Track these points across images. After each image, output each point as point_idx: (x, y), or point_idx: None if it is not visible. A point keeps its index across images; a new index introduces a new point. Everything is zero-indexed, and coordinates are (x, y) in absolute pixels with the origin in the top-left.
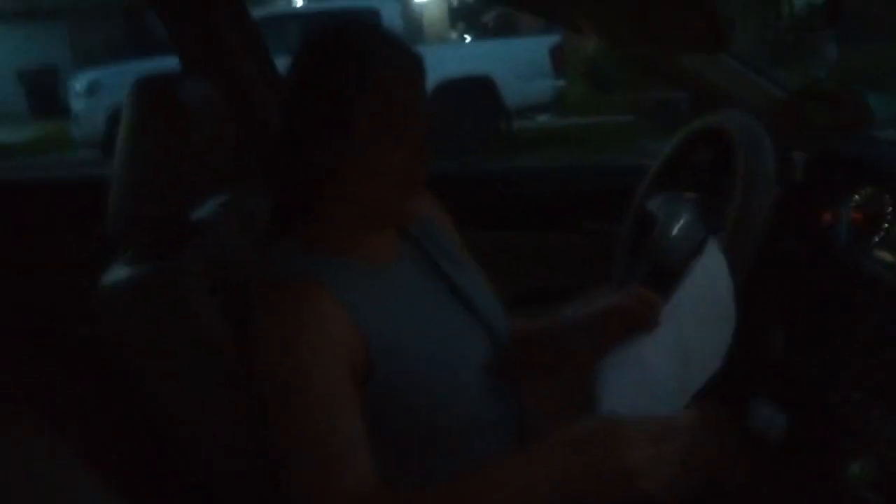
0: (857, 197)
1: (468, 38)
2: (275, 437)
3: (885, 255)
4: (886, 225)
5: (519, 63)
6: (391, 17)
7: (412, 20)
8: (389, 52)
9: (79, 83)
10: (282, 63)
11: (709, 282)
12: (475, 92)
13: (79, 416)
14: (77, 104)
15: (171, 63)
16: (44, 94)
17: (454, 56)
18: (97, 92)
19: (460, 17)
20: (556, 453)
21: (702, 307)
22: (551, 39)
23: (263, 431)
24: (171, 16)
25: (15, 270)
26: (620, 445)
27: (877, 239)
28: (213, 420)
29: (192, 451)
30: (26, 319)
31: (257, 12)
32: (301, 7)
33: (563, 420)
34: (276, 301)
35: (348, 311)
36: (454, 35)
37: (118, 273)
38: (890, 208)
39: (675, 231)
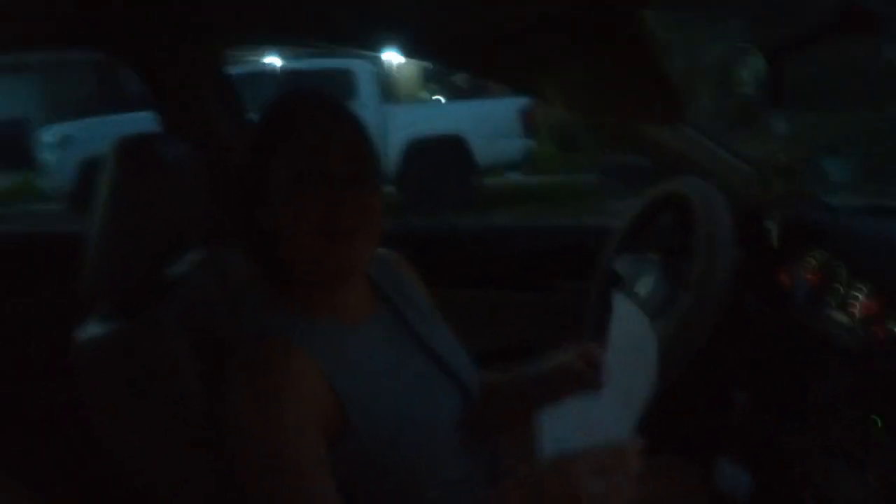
0: (811, 261)
1: (441, 99)
2: (248, 495)
3: (840, 317)
4: (840, 288)
5: (490, 123)
6: (365, 78)
7: (386, 80)
8: (307, 113)
9: (50, 136)
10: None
11: (628, 328)
12: (447, 150)
13: (51, 473)
14: (47, 156)
15: (142, 118)
16: (12, 145)
17: (427, 115)
18: (68, 145)
19: (433, 78)
20: (512, 498)
21: (629, 351)
22: (521, 101)
23: (235, 490)
24: (152, 76)
25: None
26: (573, 482)
27: (831, 301)
28: (186, 477)
29: None
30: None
31: (234, 70)
32: (277, 66)
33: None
34: (249, 360)
35: (321, 368)
36: (427, 95)
37: (93, 329)
38: (843, 272)
39: (640, 290)
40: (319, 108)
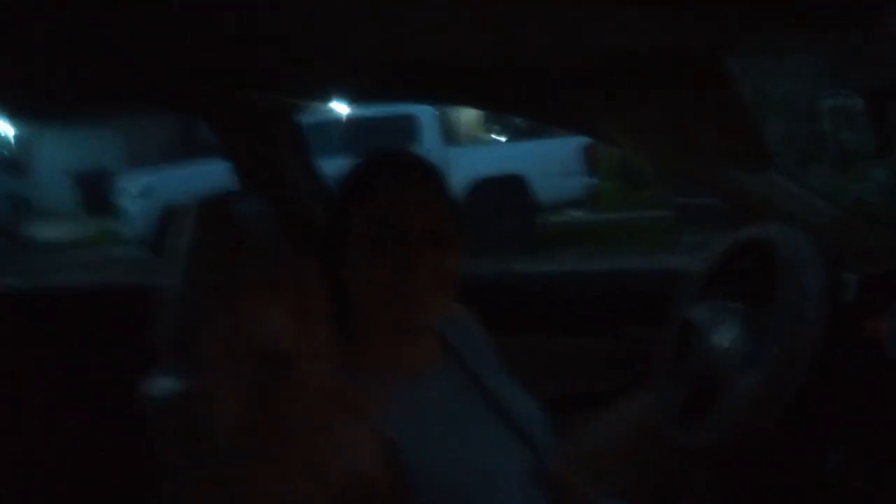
0: None
1: (502, 139)
2: None
3: None
4: None
5: (550, 162)
6: (427, 122)
7: (447, 123)
8: (388, 175)
9: (133, 185)
10: (326, 165)
11: None
12: (508, 190)
13: None
14: (130, 206)
15: (219, 167)
16: (97, 195)
17: (488, 156)
18: (150, 195)
19: (493, 119)
20: None
21: None
22: (582, 139)
23: None
24: (226, 132)
25: (63, 375)
26: None
27: None
28: None
29: None
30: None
31: (302, 119)
32: (343, 114)
33: None
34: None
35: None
36: (487, 136)
37: (164, 384)
38: None
39: (719, 341)
40: (401, 170)
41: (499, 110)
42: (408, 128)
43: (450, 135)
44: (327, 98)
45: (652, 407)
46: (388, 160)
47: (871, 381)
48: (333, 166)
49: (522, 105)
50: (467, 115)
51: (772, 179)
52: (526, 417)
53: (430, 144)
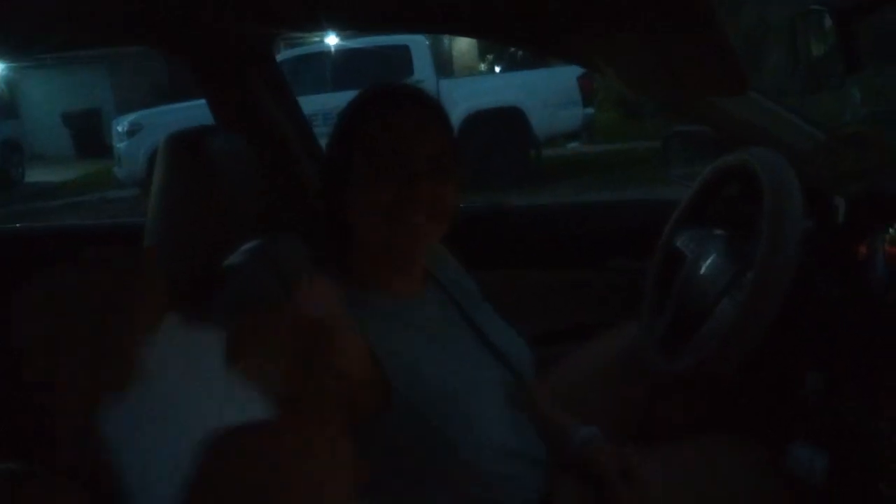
0: (891, 231)
1: (497, 70)
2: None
3: None
4: None
5: (548, 93)
6: (420, 53)
7: (441, 54)
8: (383, 106)
9: (121, 125)
10: (318, 100)
11: None
12: (505, 122)
13: None
14: (119, 145)
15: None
16: (88, 135)
17: (484, 88)
18: (138, 133)
19: (489, 50)
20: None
21: None
22: (579, 69)
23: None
24: (205, 71)
25: None
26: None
27: None
28: None
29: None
30: None
31: (288, 52)
32: (335, 45)
33: None
34: None
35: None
36: (483, 67)
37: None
38: None
39: (703, 268)
40: (402, 100)
41: (490, 39)
42: (400, 59)
43: (445, 66)
44: (317, 27)
45: (634, 338)
46: (389, 90)
47: (851, 305)
48: (324, 100)
49: (515, 34)
50: (461, 46)
51: (753, 103)
52: (508, 347)
53: (423, 76)
